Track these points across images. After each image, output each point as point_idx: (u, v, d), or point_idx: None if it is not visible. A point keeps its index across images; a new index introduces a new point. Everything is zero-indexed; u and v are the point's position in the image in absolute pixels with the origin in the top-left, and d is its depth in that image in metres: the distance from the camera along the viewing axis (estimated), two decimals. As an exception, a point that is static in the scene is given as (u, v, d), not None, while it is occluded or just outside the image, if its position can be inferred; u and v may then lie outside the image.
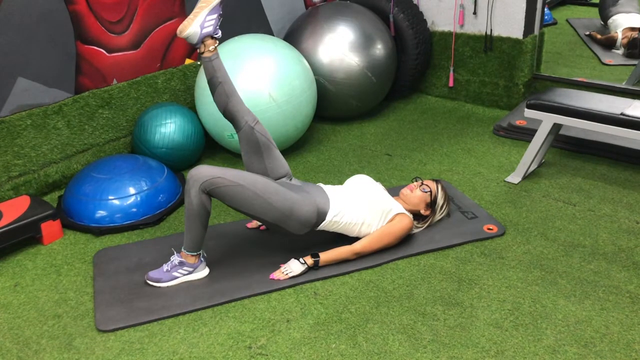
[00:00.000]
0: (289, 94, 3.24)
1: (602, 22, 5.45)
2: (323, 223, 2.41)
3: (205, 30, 2.30)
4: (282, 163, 2.50)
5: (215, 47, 2.37)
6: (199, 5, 2.31)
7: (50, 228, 2.68)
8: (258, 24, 4.04)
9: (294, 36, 3.84)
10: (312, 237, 2.54)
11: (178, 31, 2.30)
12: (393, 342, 2.04)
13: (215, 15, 2.32)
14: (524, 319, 2.13)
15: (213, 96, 2.41)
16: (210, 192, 2.23)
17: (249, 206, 2.27)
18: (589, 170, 3.22)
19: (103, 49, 3.21)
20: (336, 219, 2.42)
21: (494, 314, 2.16)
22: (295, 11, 4.26)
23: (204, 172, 2.23)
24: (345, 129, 3.91)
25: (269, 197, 2.28)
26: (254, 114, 2.46)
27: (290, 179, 2.51)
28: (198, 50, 2.38)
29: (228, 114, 2.43)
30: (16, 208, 2.67)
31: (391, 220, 2.48)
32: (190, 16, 2.29)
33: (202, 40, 2.32)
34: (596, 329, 2.08)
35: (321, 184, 2.57)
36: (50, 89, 3.03)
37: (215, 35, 2.35)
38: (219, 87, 2.39)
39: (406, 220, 2.49)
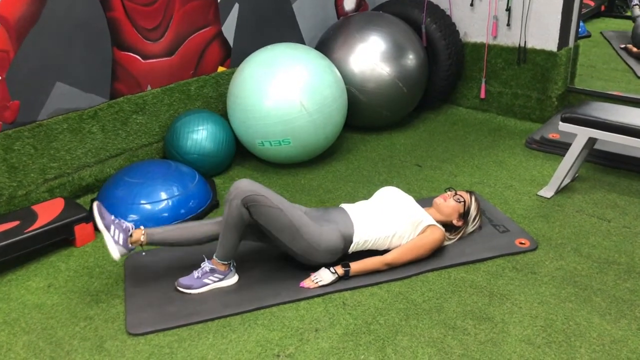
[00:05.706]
0: (320, 103, 3.25)
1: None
2: (352, 246, 2.42)
3: (121, 238, 2.26)
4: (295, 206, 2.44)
5: (142, 232, 2.31)
6: (99, 229, 2.27)
7: (83, 231, 2.72)
8: (290, 33, 4.06)
9: (325, 45, 3.86)
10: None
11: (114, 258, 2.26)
12: (422, 356, 2.01)
13: (111, 225, 2.26)
14: (557, 337, 2.09)
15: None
16: (250, 208, 2.24)
17: (281, 232, 2.29)
18: (624, 186, 3.16)
19: (138, 55, 3.27)
20: (364, 238, 2.42)
21: (526, 330, 2.12)
22: (327, 21, 4.28)
23: (248, 186, 2.25)
24: (375, 138, 3.90)
25: (301, 227, 2.30)
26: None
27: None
28: (135, 247, 2.32)
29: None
30: (51, 210, 2.73)
31: (422, 231, 2.46)
32: (106, 244, 2.26)
33: (127, 246, 2.28)
34: (632, 350, 2.02)
35: (343, 205, 2.56)
36: (86, 93, 3.09)
37: (130, 226, 2.31)
38: (195, 236, 2.37)
39: (438, 233, 2.47)
